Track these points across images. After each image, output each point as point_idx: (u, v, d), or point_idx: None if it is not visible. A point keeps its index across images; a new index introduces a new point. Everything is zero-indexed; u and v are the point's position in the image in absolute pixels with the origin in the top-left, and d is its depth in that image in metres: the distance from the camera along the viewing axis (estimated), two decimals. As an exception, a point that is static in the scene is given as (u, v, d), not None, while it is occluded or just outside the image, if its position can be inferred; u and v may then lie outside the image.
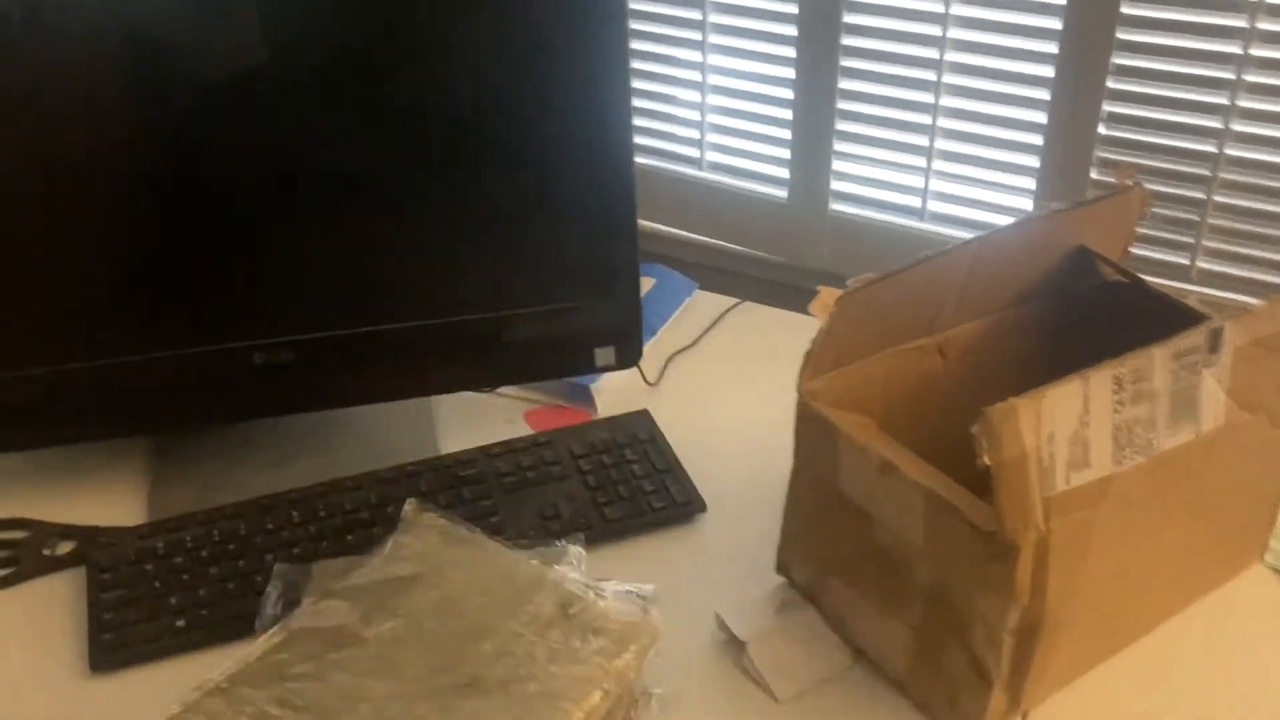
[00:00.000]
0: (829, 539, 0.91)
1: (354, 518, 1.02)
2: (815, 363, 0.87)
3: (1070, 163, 1.58)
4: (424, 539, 0.81)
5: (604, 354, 1.13)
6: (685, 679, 0.89)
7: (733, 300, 1.40)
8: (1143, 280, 0.96)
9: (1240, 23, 1.47)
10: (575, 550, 0.80)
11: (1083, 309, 0.98)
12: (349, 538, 1.00)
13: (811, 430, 0.89)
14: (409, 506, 0.87)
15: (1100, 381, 0.76)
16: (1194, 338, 0.79)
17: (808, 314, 0.86)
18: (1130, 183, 1.00)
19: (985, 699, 0.82)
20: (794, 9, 1.75)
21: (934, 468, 0.81)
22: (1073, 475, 0.76)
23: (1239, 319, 0.82)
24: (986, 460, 0.73)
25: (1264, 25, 1.47)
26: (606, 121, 1.04)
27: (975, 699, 0.82)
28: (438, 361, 1.10)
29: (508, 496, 1.05)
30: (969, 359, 0.97)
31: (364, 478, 1.06)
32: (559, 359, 1.14)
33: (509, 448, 1.11)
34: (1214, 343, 0.80)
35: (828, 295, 0.83)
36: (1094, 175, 1.58)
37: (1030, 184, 1.65)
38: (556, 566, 0.78)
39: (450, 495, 1.05)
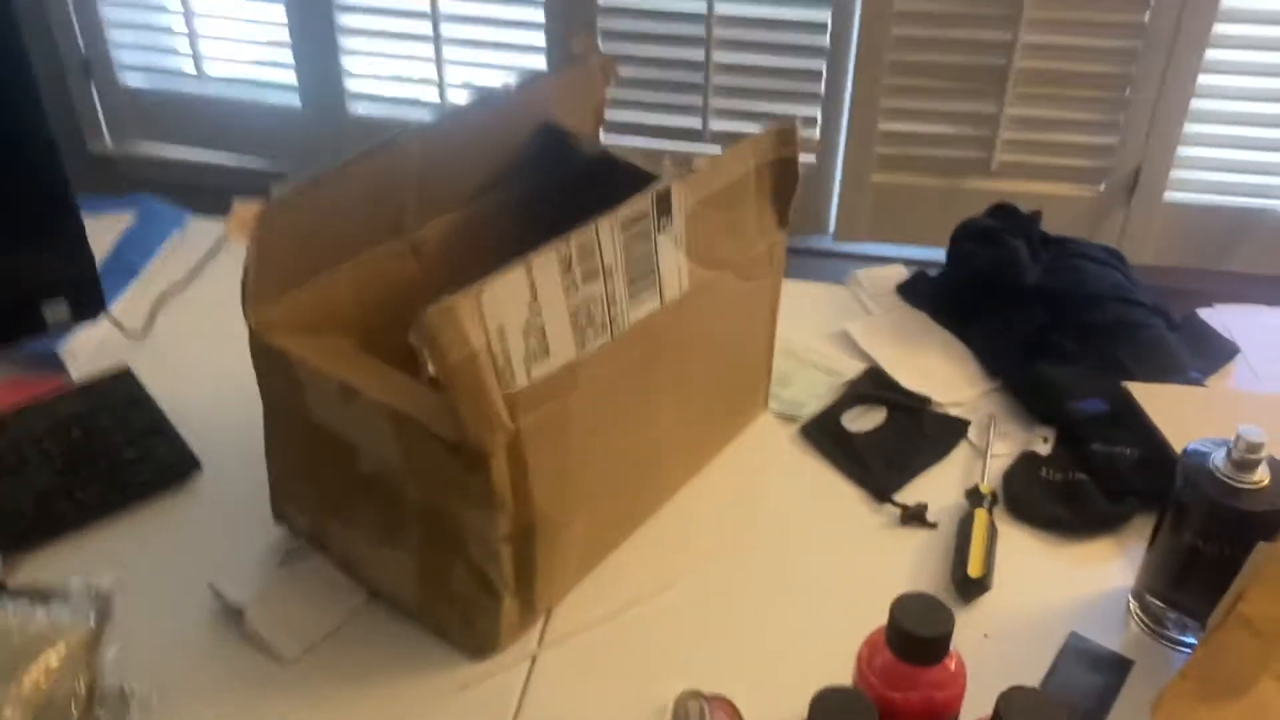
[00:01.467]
0: (318, 477, 0.83)
1: None
2: (258, 288, 0.77)
3: (575, 35, 1.56)
4: None
5: (55, 309, 0.97)
6: (179, 666, 0.79)
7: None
8: (609, 152, 0.93)
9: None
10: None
11: (559, 188, 0.94)
12: None
13: (269, 364, 0.79)
14: None
15: (545, 264, 0.71)
16: (640, 204, 0.77)
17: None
18: (589, 51, 0.96)
19: (497, 612, 0.78)
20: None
21: (411, 382, 0.74)
22: (534, 367, 0.71)
23: (684, 180, 0.80)
24: (433, 368, 0.66)
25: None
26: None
27: (487, 614, 0.78)
28: None
29: (-51, 500, 0.88)
30: (448, 257, 0.91)
31: None
32: (3, 322, 0.96)
33: (-48, 440, 0.93)
34: (663, 206, 0.78)
35: (244, 211, 0.72)
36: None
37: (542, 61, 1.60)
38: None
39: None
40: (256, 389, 0.83)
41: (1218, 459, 0.75)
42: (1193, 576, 0.78)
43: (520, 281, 0.70)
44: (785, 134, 0.85)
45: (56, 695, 0.63)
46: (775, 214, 0.89)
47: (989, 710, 0.55)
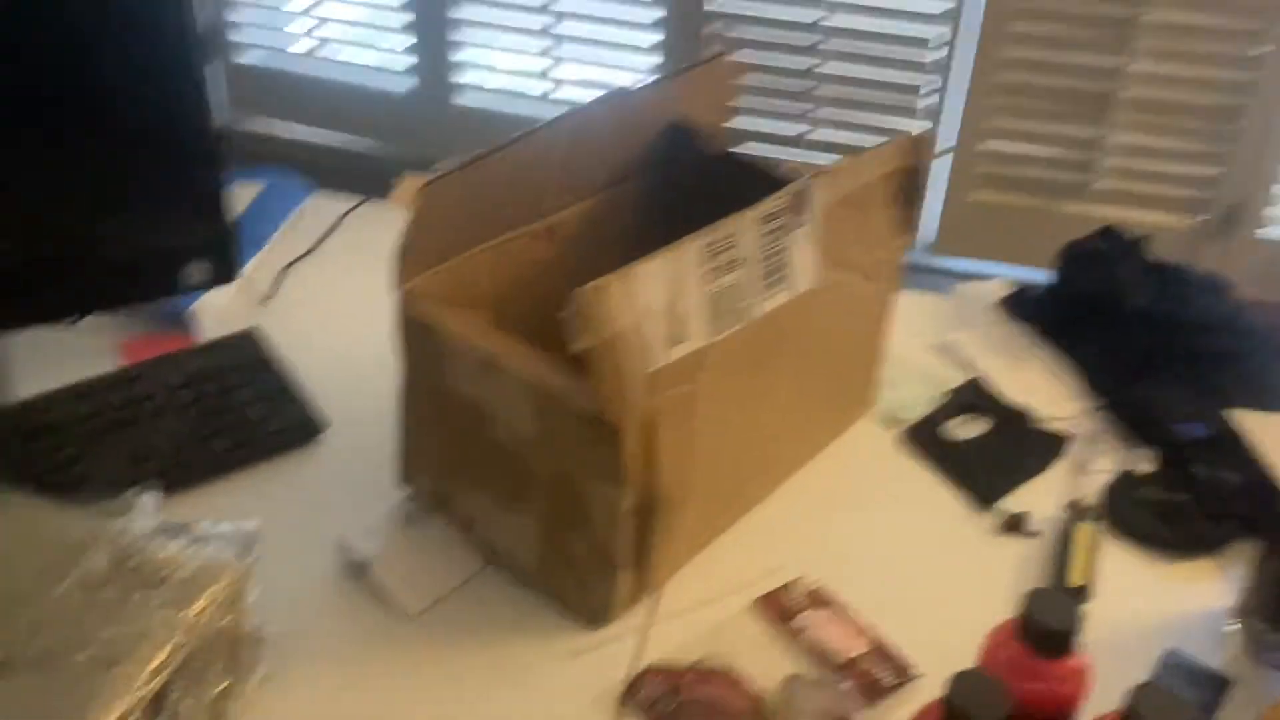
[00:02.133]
0: (448, 443, 0.86)
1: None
2: (410, 259, 0.81)
3: (688, 38, 1.59)
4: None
5: (197, 271, 1.01)
6: (306, 614, 0.83)
7: (354, 199, 1.31)
8: (733, 153, 0.96)
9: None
10: (148, 498, 0.70)
11: (686, 184, 0.97)
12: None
13: (414, 332, 0.83)
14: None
15: (690, 253, 0.74)
16: (779, 201, 0.80)
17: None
18: (721, 51, 0.99)
19: (613, 583, 0.81)
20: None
21: (545, 357, 0.78)
22: (670, 349, 0.74)
23: (821, 180, 0.82)
24: (581, 343, 0.70)
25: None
26: (162, 22, 0.91)
27: (603, 584, 0.81)
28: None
29: (92, 442, 0.93)
30: (579, 243, 0.94)
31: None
32: (145, 281, 1.01)
33: (94, 386, 0.98)
34: (799, 205, 0.81)
35: (410, 184, 0.76)
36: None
37: (656, 60, 1.63)
38: (122, 519, 0.68)
39: (21, 447, 0.91)
40: (380, 355, 0.87)
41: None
42: (1297, 601, 0.79)
43: (667, 268, 0.73)
44: (918, 142, 0.88)
45: (214, 628, 0.67)
46: (900, 221, 0.92)
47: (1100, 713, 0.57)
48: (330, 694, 0.78)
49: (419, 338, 0.83)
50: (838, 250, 0.86)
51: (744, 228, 0.77)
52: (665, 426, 0.76)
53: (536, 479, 0.80)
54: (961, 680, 0.54)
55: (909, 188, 0.90)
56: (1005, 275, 1.23)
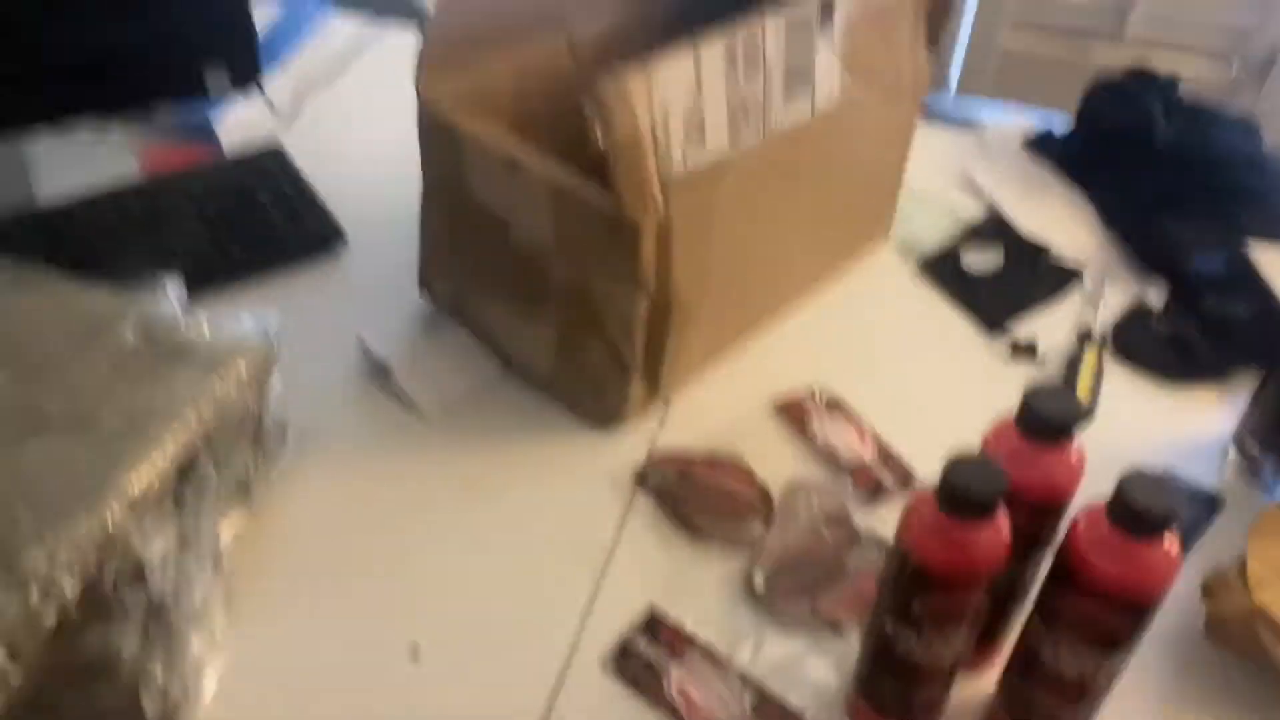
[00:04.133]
0: (467, 250, 0.88)
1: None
2: (430, 59, 0.81)
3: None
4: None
5: (215, 73, 1.01)
6: (328, 409, 0.86)
7: (374, 21, 1.29)
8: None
9: None
10: (170, 284, 0.72)
11: (712, 4, 0.96)
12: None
13: (436, 137, 0.83)
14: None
15: (712, 52, 0.74)
16: (806, 8, 0.79)
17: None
18: None
19: (626, 387, 0.83)
20: None
21: (565, 164, 0.78)
22: (689, 153, 0.75)
23: (848, -11, 0.81)
24: (602, 140, 0.70)
25: None
26: None
27: (616, 388, 0.83)
28: (17, 92, 0.95)
29: (115, 247, 0.95)
30: (602, 59, 0.93)
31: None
32: (168, 82, 1.01)
33: (118, 193, 1.00)
34: (826, 13, 0.80)
35: (430, -21, 0.75)
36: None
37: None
38: (148, 300, 0.70)
39: (46, 249, 0.93)
40: (401, 173, 0.88)
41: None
42: (1295, 425, 0.80)
43: (688, 67, 0.72)
44: (948, -44, 0.86)
45: (238, 406, 0.70)
46: (926, 39, 0.90)
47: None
48: (352, 485, 0.81)
49: (440, 143, 0.83)
50: (862, 64, 0.85)
51: (770, 32, 0.76)
52: (682, 232, 0.77)
53: (553, 285, 0.82)
54: (958, 461, 0.56)
55: (938, 5, 0.89)
56: (1032, 120, 1.22)
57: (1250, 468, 0.84)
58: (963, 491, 0.54)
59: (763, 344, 0.94)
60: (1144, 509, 0.54)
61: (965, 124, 1.20)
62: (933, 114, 1.16)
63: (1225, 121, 1.10)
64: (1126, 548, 0.55)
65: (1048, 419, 0.59)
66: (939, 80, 1.54)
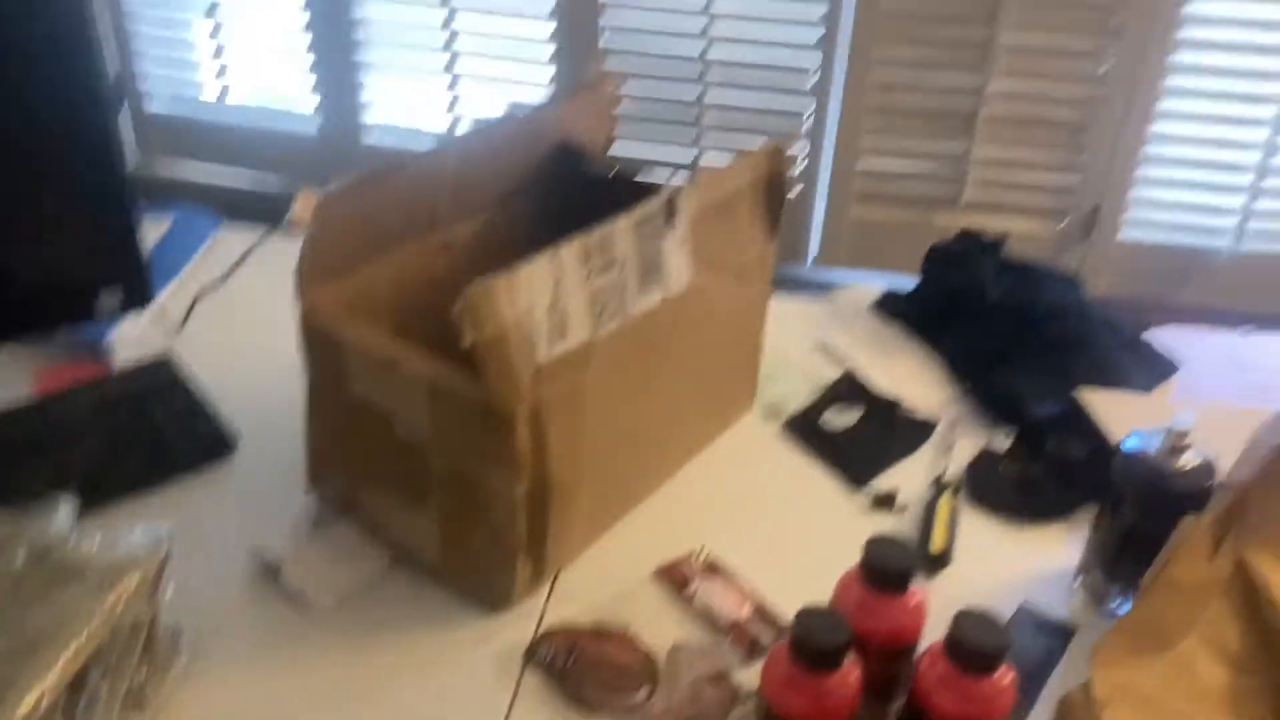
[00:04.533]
0: (353, 446, 0.92)
1: None
2: (310, 273, 0.87)
3: (588, 63, 1.68)
4: None
5: (109, 298, 1.06)
6: (221, 613, 0.87)
7: (261, 229, 1.36)
8: (618, 170, 1.04)
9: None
10: (64, 507, 0.75)
11: (573, 200, 1.04)
12: None
13: (316, 342, 0.89)
14: None
15: (570, 254, 0.81)
16: (651, 207, 0.87)
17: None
18: (601, 74, 1.07)
19: (512, 570, 0.87)
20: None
21: (441, 359, 0.84)
22: (555, 344, 0.81)
23: (689, 189, 0.90)
24: (471, 338, 0.76)
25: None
26: (75, 66, 0.96)
27: (503, 571, 0.87)
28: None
29: (9, 468, 0.97)
30: (474, 257, 1.01)
31: None
32: (60, 308, 1.05)
33: (10, 413, 1.02)
34: (670, 211, 0.89)
35: (307, 200, 0.82)
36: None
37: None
38: (39, 522, 0.73)
39: (-64, 472, 0.95)
40: (287, 373, 0.93)
41: (1152, 445, 0.86)
42: (1129, 552, 0.88)
43: (550, 268, 0.80)
44: (777, 152, 0.96)
45: (129, 618, 0.72)
46: (767, 224, 1.00)
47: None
48: (246, 686, 0.82)
49: (321, 347, 0.88)
50: (709, 253, 0.93)
51: (620, 232, 0.84)
52: (554, 416, 0.82)
53: (435, 475, 0.86)
54: (805, 615, 0.61)
55: (773, 194, 0.98)
56: (884, 283, 1.33)
57: (1096, 595, 0.90)
58: (810, 643, 0.59)
59: (643, 513, 0.99)
60: (976, 647, 0.60)
61: (820, 291, 1.30)
62: (791, 284, 1.26)
63: (1050, 276, 1.21)
64: (963, 684, 0.60)
65: (886, 569, 0.65)
66: (797, 254, 1.66)
